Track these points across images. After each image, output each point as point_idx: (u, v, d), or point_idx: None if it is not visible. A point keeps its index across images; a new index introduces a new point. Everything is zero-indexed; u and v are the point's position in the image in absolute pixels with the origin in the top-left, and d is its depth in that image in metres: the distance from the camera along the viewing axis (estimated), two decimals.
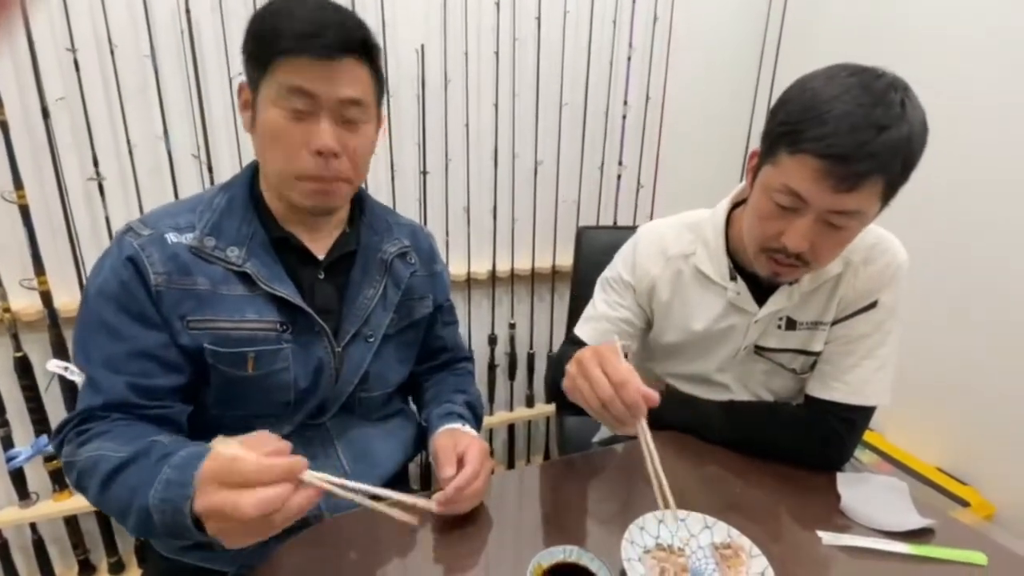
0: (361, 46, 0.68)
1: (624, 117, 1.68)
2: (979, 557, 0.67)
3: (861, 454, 1.50)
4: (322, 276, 0.78)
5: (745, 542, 0.66)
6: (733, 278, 0.86)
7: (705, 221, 0.90)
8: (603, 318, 0.95)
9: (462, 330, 1.68)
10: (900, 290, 0.81)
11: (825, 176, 0.65)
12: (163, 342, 0.68)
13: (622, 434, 0.63)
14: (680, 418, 0.93)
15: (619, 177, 1.72)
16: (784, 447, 0.85)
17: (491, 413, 1.82)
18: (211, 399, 0.73)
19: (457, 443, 0.74)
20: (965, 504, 1.35)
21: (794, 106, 0.68)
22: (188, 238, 0.70)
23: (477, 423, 0.89)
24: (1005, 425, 1.37)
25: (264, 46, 0.66)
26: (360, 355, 0.80)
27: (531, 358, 1.82)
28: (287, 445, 0.53)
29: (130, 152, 1.26)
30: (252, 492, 0.47)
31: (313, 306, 0.75)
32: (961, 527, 0.73)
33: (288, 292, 0.72)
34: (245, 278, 0.71)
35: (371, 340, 0.81)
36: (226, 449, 0.50)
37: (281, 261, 0.74)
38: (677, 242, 0.91)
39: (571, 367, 0.66)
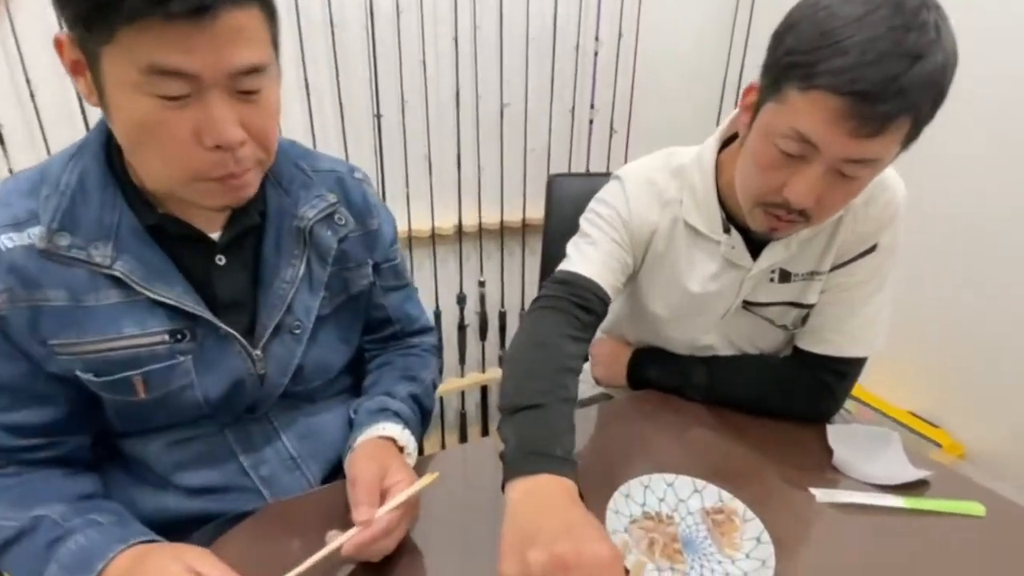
0: None
1: (595, 54, 1.56)
2: (977, 508, 0.64)
3: (846, 403, 1.51)
4: (222, 261, 0.61)
5: (738, 505, 0.62)
6: (727, 230, 0.76)
7: (690, 165, 0.79)
8: (610, 255, 0.78)
9: (427, 290, 1.63)
10: (899, 229, 0.75)
11: (844, 118, 0.54)
12: (25, 372, 0.56)
13: None
14: (660, 377, 0.87)
15: (591, 122, 1.61)
16: (771, 402, 0.81)
17: (462, 375, 1.76)
18: (112, 421, 0.62)
19: (385, 475, 0.58)
20: (937, 445, 1.36)
21: (806, 30, 0.57)
22: (32, 236, 0.53)
23: (422, 420, 0.75)
24: (973, 368, 1.38)
25: (96, 8, 0.44)
26: (287, 351, 0.66)
27: (503, 317, 1.75)
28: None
29: (32, 95, 1.09)
30: None
31: (214, 303, 0.60)
32: (956, 477, 0.70)
33: (175, 295, 0.57)
34: (117, 281, 0.55)
35: (298, 331, 0.66)
36: None
37: (164, 250, 0.58)
38: (669, 186, 0.79)
39: (540, 558, 0.42)
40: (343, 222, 0.69)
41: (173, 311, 0.58)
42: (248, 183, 0.56)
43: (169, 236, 0.58)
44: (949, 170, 1.34)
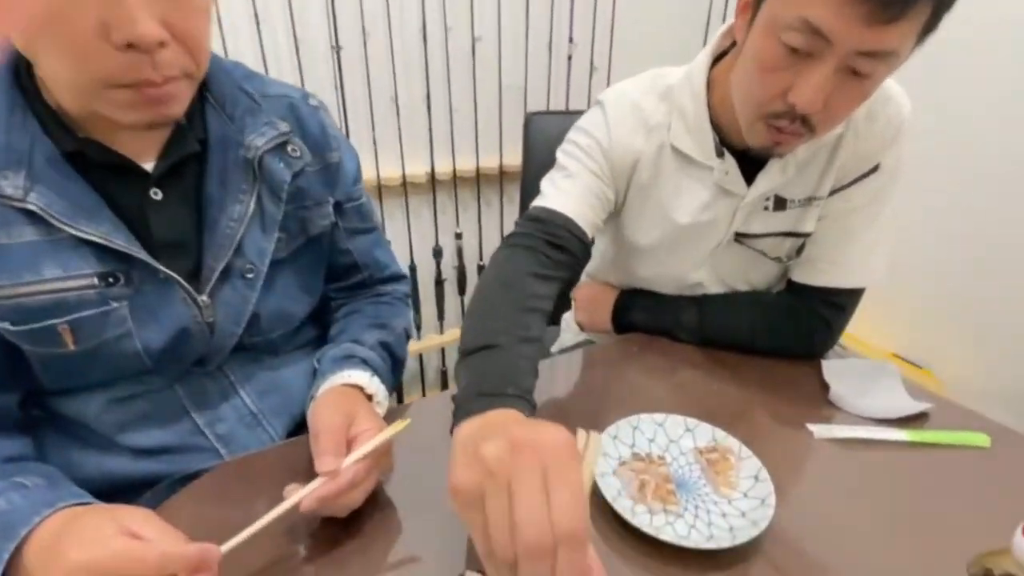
0: None
1: None
2: (981, 439, 0.61)
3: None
4: (158, 195, 0.54)
5: (733, 443, 0.57)
6: (720, 154, 0.70)
7: (679, 86, 0.72)
8: (588, 190, 0.71)
9: (401, 244, 1.55)
10: (903, 149, 0.69)
11: (860, 0, 0.48)
12: None
13: None
14: (648, 319, 0.82)
15: (570, 58, 1.51)
16: (765, 340, 0.76)
17: (441, 332, 1.70)
18: (41, 377, 0.55)
19: (353, 422, 0.52)
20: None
21: None
22: None
23: (395, 370, 0.69)
24: (958, 309, 1.37)
25: None
26: (239, 298, 0.59)
27: (481, 271, 1.68)
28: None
29: None
30: None
31: (152, 243, 0.53)
32: (957, 408, 0.67)
33: (102, 232, 0.50)
34: (33, 216, 0.48)
35: (251, 276, 0.60)
36: (114, 543, 0.39)
37: (90, 182, 0.50)
38: (657, 110, 0.73)
39: (494, 447, 0.35)
40: (298, 154, 0.62)
41: (102, 251, 0.50)
42: (173, 96, 0.48)
43: (94, 167, 0.51)
44: (948, 114, 1.29)
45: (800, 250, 0.76)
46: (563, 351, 1.01)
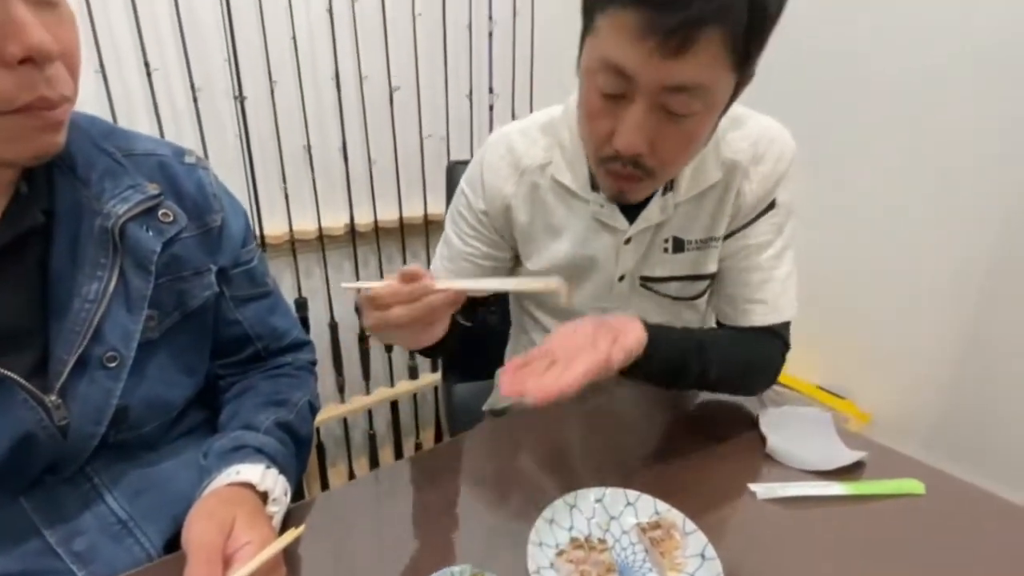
0: None
1: (491, 34, 1.45)
2: (916, 486, 0.60)
3: None
4: None
5: (676, 517, 0.53)
6: (595, 187, 0.69)
7: (561, 118, 0.72)
8: (460, 256, 0.78)
9: (320, 300, 1.44)
10: (793, 182, 0.71)
11: (644, 33, 0.48)
12: None
13: None
14: (664, 364, 0.64)
15: (491, 108, 1.51)
16: (750, 376, 0.73)
17: (368, 392, 1.58)
18: None
19: (236, 535, 0.44)
20: (844, 419, 1.40)
21: None
22: None
23: (299, 453, 0.61)
24: (878, 339, 1.43)
25: None
26: (99, 392, 0.51)
27: None
28: None
29: None
30: None
31: None
32: (891, 454, 0.66)
33: None
34: None
35: (114, 365, 0.51)
36: None
37: None
38: (530, 151, 0.72)
39: None
40: (170, 219, 0.56)
41: None
42: (61, 122, 0.44)
43: None
44: (859, 136, 1.37)
45: (706, 290, 0.77)
46: (494, 411, 0.94)
